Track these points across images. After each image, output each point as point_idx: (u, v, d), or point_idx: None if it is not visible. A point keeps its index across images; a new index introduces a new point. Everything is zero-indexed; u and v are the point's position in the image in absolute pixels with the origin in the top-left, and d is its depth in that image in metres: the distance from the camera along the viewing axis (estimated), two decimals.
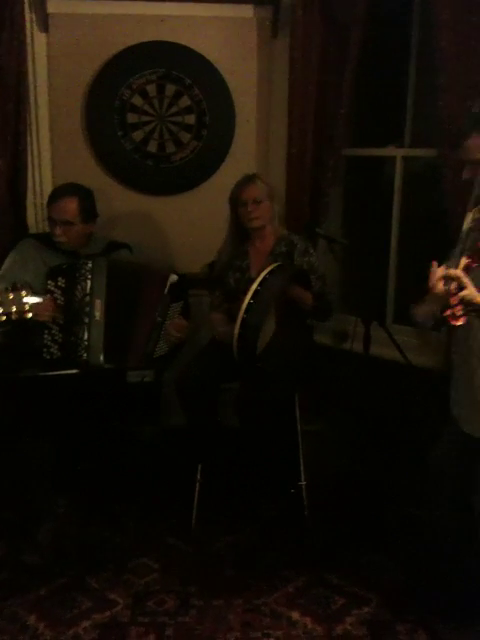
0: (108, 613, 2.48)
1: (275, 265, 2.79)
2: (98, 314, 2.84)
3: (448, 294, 1.75)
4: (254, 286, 2.66)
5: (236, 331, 2.66)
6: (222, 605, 2.53)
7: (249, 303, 2.64)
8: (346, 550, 2.85)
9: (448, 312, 1.75)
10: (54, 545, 2.82)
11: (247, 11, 3.58)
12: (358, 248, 3.46)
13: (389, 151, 3.62)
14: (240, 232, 3.16)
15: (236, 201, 3.09)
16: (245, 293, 2.69)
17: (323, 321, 3.23)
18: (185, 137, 3.68)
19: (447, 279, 1.76)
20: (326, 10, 3.37)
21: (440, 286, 1.78)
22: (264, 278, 2.68)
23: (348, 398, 3.34)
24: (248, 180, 3.10)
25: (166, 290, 2.95)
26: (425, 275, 1.88)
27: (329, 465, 3.37)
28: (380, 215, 3.65)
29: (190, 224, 3.72)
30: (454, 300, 1.74)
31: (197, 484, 2.99)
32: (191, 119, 3.66)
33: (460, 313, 1.75)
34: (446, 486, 2.32)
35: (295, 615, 2.48)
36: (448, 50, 2.93)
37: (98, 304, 2.84)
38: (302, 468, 3.02)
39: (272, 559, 2.80)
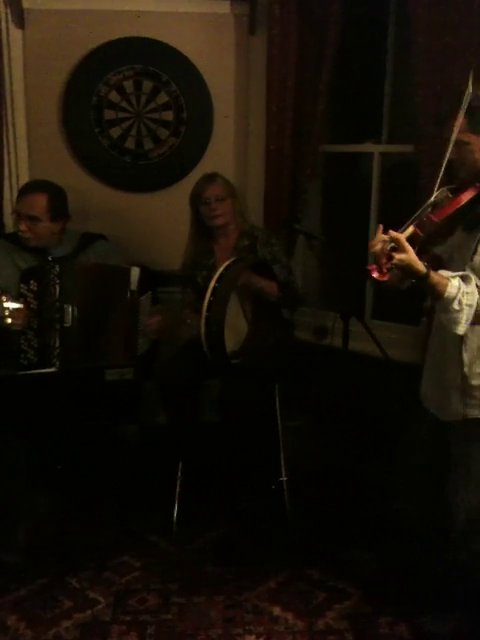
0: (89, 612, 2.46)
1: (231, 260, 2.80)
2: (69, 320, 2.82)
3: (381, 253, 1.81)
4: (212, 283, 2.69)
5: (202, 330, 2.67)
6: (204, 602, 2.52)
7: (210, 300, 2.66)
8: (327, 545, 2.85)
9: (373, 266, 1.82)
10: (34, 545, 2.80)
11: (224, 7, 3.58)
12: (337, 244, 3.48)
13: (366, 147, 3.64)
14: (203, 231, 3.16)
15: (197, 200, 3.09)
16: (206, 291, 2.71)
17: (293, 310, 3.24)
18: (163, 134, 3.67)
19: (387, 241, 1.81)
20: (303, 7, 3.38)
21: (379, 246, 1.82)
22: (221, 274, 2.70)
23: (328, 393, 3.36)
24: (209, 179, 3.10)
25: (131, 285, 2.93)
26: None
27: (310, 460, 3.38)
28: (358, 211, 3.66)
29: (169, 221, 3.70)
30: (385, 259, 1.80)
31: (178, 481, 2.99)
32: (169, 115, 3.65)
33: (385, 270, 1.81)
34: (420, 476, 2.34)
35: (277, 610, 2.48)
36: (423, 47, 2.95)
37: (68, 310, 2.82)
38: (283, 464, 3.02)
39: (253, 555, 2.80)
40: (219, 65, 3.63)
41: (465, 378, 2.09)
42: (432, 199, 1.98)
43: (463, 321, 1.90)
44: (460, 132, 1.98)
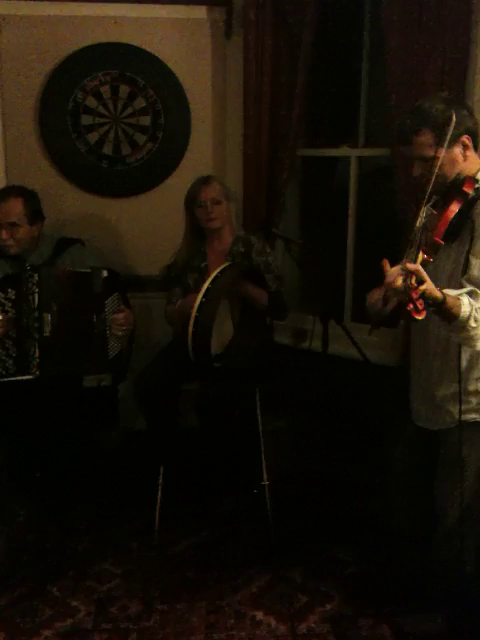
0: (70, 621, 2.45)
1: (226, 264, 2.80)
2: (47, 329, 2.80)
3: (408, 289, 1.75)
4: (206, 285, 2.69)
5: (189, 329, 2.66)
6: (185, 608, 2.52)
7: (201, 302, 2.66)
8: (309, 547, 2.86)
9: (410, 306, 1.75)
10: (13, 553, 2.78)
11: (200, 12, 3.58)
12: (315, 247, 3.49)
13: (343, 151, 3.66)
14: (197, 233, 3.16)
15: (193, 202, 3.09)
16: (198, 292, 2.70)
17: (280, 320, 3.25)
18: (140, 139, 3.66)
19: (406, 274, 1.76)
20: (278, 11, 3.38)
21: (399, 281, 1.77)
22: (215, 277, 2.70)
23: (308, 396, 3.36)
24: (204, 181, 3.10)
25: (98, 288, 2.91)
26: (379, 273, 1.89)
27: (291, 463, 3.39)
28: (336, 214, 3.68)
29: (147, 226, 3.70)
30: (415, 294, 1.75)
31: (159, 487, 2.98)
32: (146, 120, 3.64)
33: (422, 307, 1.77)
34: (404, 479, 2.35)
35: (259, 614, 2.48)
36: (398, 50, 2.97)
37: (47, 318, 2.81)
38: (264, 467, 3.02)
39: (235, 559, 2.80)
40: (196, 70, 3.63)
41: (461, 383, 2.08)
42: (420, 221, 1.97)
43: None
44: (426, 148, 2.00)
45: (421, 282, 1.76)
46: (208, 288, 2.67)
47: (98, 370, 2.88)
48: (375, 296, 2.11)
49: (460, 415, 2.09)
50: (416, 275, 1.75)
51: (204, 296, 2.66)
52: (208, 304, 2.66)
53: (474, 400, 2.11)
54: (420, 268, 1.78)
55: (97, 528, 2.99)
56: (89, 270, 2.91)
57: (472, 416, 2.12)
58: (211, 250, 3.18)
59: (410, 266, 1.76)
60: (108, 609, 2.51)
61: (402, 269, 1.77)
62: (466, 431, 2.12)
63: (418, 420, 2.27)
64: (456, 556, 2.21)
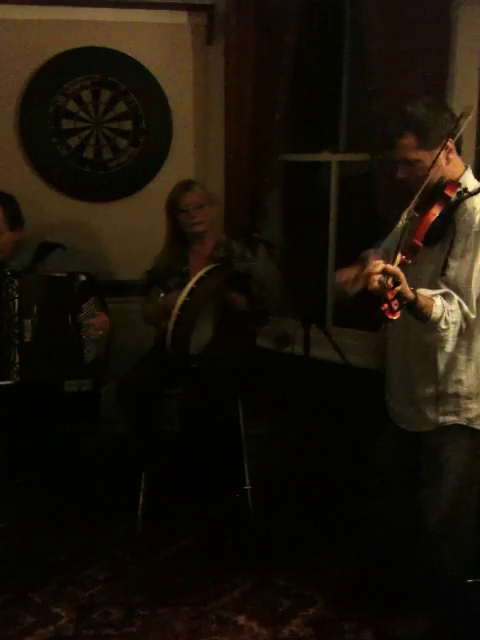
0: (52, 628, 2.42)
1: (213, 265, 2.81)
2: (28, 335, 2.78)
3: (384, 289, 1.77)
4: (190, 284, 2.69)
5: (170, 327, 2.67)
6: (168, 613, 2.50)
7: (185, 301, 2.66)
8: (292, 551, 2.86)
9: (385, 306, 1.78)
10: None
11: (181, 17, 3.58)
12: (297, 251, 3.50)
13: (324, 156, 3.67)
14: (180, 238, 3.16)
15: (175, 208, 3.09)
16: (181, 290, 2.70)
17: (260, 326, 3.25)
18: (122, 143, 3.65)
19: (385, 274, 1.79)
20: (260, 17, 3.40)
21: (376, 281, 1.79)
22: (201, 277, 2.70)
23: (290, 400, 3.37)
24: (186, 186, 3.10)
25: (74, 292, 2.90)
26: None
27: (273, 467, 3.39)
28: (318, 219, 3.69)
29: (128, 231, 3.69)
30: (391, 295, 1.78)
31: (141, 492, 2.96)
32: (128, 125, 3.64)
33: (397, 307, 1.79)
34: (389, 481, 2.36)
35: (242, 619, 2.47)
36: (379, 56, 3.00)
37: (27, 324, 2.79)
38: (246, 471, 3.02)
39: (219, 564, 2.79)
40: (177, 75, 3.63)
41: (440, 386, 2.11)
42: (402, 223, 1.99)
43: (450, 338, 1.93)
44: (410, 150, 2.02)
45: (397, 283, 1.79)
46: (193, 288, 2.67)
47: (74, 374, 2.86)
48: (344, 277, 2.16)
49: (436, 418, 2.12)
50: (393, 276, 1.78)
51: (188, 296, 2.66)
52: (191, 304, 2.66)
53: (453, 402, 2.12)
54: (398, 270, 1.81)
55: (79, 534, 2.97)
56: (65, 274, 2.90)
57: (452, 418, 2.13)
58: (193, 255, 3.18)
59: (390, 268, 1.79)
60: (90, 615, 2.49)
61: (382, 270, 1.79)
62: (446, 434, 2.14)
63: (399, 422, 2.29)
64: (439, 559, 2.22)
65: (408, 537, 2.30)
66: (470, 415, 2.12)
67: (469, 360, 2.09)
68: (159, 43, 3.61)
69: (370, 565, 2.58)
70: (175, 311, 2.67)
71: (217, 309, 2.98)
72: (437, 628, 2.33)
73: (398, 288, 1.79)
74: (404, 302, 1.83)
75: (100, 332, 2.92)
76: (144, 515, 2.96)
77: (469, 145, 2.78)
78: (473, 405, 2.11)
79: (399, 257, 1.88)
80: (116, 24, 3.55)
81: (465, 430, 2.13)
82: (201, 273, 2.73)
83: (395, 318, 1.80)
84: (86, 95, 3.59)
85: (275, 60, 3.36)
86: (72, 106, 3.58)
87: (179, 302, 2.67)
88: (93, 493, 3.19)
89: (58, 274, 2.91)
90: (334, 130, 3.59)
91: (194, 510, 3.14)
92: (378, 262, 1.81)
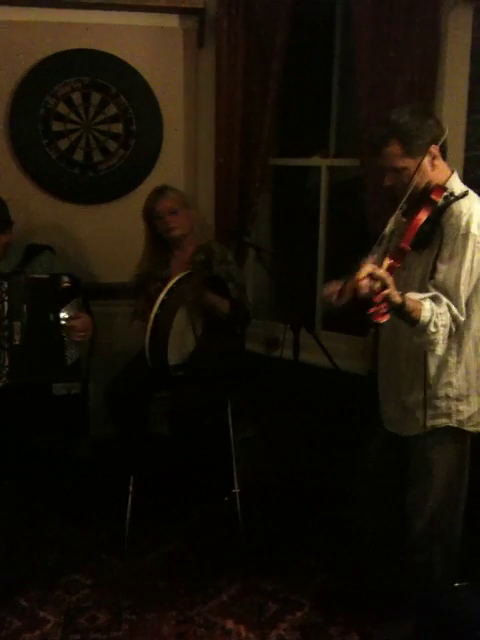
0: (38, 632, 2.41)
1: (183, 274, 2.80)
2: (18, 338, 2.77)
3: (372, 293, 1.80)
4: (161, 296, 2.70)
5: (146, 341, 2.67)
6: (155, 618, 2.50)
7: (156, 314, 2.67)
8: (280, 555, 2.86)
9: (373, 310, 1.80)
10: None
11: (172, 21, 3.58)
12: (287, 255, 3.51)
13: (314, 161, 3.68)
14: (160, 244, 3.15)
15: (151, 215, 3.08)
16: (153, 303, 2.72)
17: (242, 327, 3.25)
18: (112, 146, 3.65)
19: (373, 278, 1.80)
20: (251, 21, 3.41)
21: (365, 285, 1.81)
22: (171, 288, 2.71)
23: (279, 404, 3.37)
24: (159, 193, 3.08)
25: (56, 293, 2.88)
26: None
27: (262, 470, 3.39)
28: (308, 223, 3.70)
29: (118, 233, 3.68)
30: (378, 299, 1.80)
31: (129, 496, 2.96)
32: (118, 128, 3.64)
33: (384, 310, 1.81)
34: (377, 485, 2.36)
35: (229, 624, 2.47)
36: (368, 62, 3.01)
37: (16, 327, 2.77)
38: (235, 475, 3.02)
39: (206, 568, 2.79)
40: (168, 78, 3.63)
41: (430, 389, 2.12)
42: (389, 228, 2.00)
43: (440, 341, 1.94)
44: (396, 158, 2.03)
45: (385, 287, 1.80)
46: (164, 299, 2.69)
47: (56, 377, 2.85)
48: (330, 290, 2.18)
49: (426, 421, 2.12)
50: (380, 280, 1.80)
51: (160, 308, 2.67)
52: (163, 316, 2.68)
53: (443, 405, 2.13)
54: (386, 274, 1.82)
55: (66, 538, 2.96)
56: (47, 276, 2.89)
57: (442, 421, 2.14)
58: (174, 259, 3.17)
59: (378, 272, 1.81)
60: (77, 620, 2.48)
61: (370, 273, 1.81)
62: (435, 436, 2.15)
63: (389, 425, 2.29)
64: (426, 562, 2.23)
65: (395, 540, 2.30)
66: (461, 417, 2.13)
67: (459, 363, 2.10)
68: (150, 46, 3.60)
69: (357, 569, 2.58)
70: (149, 325, 2.68)
71: (198, 315, 2.97)
72: (423, 632, 2.34)
73: (386, 292, 1.80)
74: (392, 306, 1.84)
75: (82, 334, 2.90)
76: (132, 519, 2.95)
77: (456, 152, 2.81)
78: (463, 407, 2.13)
79: (387, 261, 1.90)
80: (107, 26, 3.54)
81: (454, 432, 2.14)
82: (171, 284, 2.73)
83: (383, 322, 1.81)
84: (76, 97, 3.58)
85: (265, 64, 3.38)
86: (62, 108, 3.57)
87: (151, 315, 2.68)
88: (81, 496, 3.19)
89: (41, 275, 2.90)
90: (324, 134, 3.60)
91: (182, 514, 3.14)
92: (366, 266, 1.83)
